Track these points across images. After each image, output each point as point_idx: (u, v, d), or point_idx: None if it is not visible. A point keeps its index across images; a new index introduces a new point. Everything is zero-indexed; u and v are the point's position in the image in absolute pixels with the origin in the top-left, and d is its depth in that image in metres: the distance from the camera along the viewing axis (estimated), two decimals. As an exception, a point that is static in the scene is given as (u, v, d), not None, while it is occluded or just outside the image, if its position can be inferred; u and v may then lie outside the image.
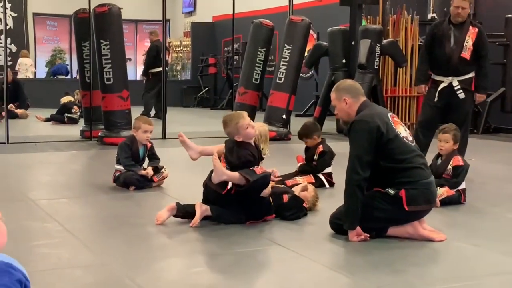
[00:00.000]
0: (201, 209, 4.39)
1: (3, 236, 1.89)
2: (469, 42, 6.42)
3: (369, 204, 4.01)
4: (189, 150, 4.83)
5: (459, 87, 6.46)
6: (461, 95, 6.46)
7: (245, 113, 4.54)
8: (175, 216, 4.48)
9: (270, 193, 4.57)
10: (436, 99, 6.53)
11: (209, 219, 4.45)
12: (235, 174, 4.33)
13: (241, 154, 4.39)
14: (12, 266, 1.77)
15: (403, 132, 4.11)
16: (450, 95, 6.49)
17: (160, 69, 11.79)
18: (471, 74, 6.54)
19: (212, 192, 4.45)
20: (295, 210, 4.64)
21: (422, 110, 6.86)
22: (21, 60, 17.58)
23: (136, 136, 5.86)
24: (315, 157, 5.98)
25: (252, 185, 4.32)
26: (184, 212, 4.48)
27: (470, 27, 6.47)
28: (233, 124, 4.43)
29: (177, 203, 4.52)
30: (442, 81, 6.51)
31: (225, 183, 4.38)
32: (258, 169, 4.37)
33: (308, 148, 6.11)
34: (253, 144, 4.52)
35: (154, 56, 13.20)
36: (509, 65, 10.78)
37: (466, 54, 6.42)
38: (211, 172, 4.46)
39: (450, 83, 6.47)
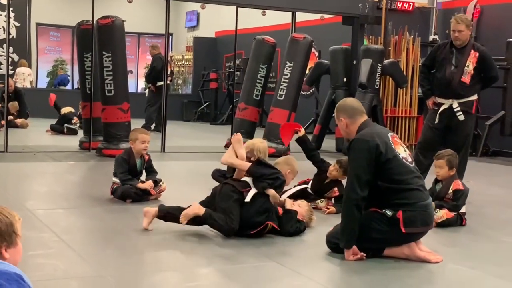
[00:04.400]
0: (195, 206, 4.44)
1: (19, 254, 2.17)
2: (469, 67, 6.43)
3: (366, 224, 4.01)
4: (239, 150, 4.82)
5: (459, 109, 6.47)
6: (461, 117, 6.46)
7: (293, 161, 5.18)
8: (158, 217, 4.53)
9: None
10: (436, 120, 6.54)
11: (197, 221, 4.47)
12: (242, 162, 4.62)
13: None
14: (22, 278, 2.04)
15: (403, 152, 4.11)
16: (450, 117, 6.50)
17: (162, 82, 11.78)
18: (473, 97, 6.54)
19: (227, 190, 4.52)
20: (292, 222, 4.65)
21: (423, 131, 6.87)
22: (19, 69, 17.57)
23: (133, 148, 5.85)
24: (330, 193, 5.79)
25: (254, 170, 4.54)
26: (165, 213, 4.53)
27: (472, 51, 6.46)
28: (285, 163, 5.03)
29: (160, 205, 4.58)
30: (443, 103, 6.53)
31: (247, 184, 4.56)
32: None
33: (324, 178, 5.82)
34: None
35: (160, 70, 13.19)
36: (509, 88, 10.81)
37: (466, 78, 6.43)
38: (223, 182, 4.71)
39: (451, 105, 6.49)
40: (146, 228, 4.57)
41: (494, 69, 6.62)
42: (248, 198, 4.50)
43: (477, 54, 6.45)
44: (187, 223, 4.46)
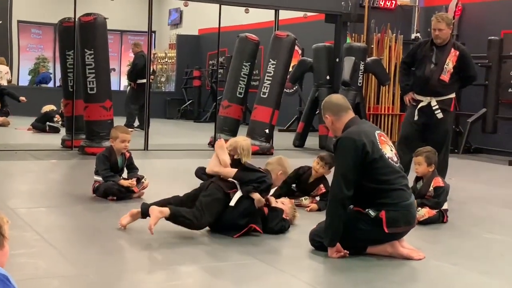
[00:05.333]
0: (155, 212, 4.35)
1: (6, 256, 2.18)
2: (449, 65, 6.46)
3: (350, 224, 4.00)
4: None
5: (437, 107, 6.50)
6: (439, 115, 6.49)
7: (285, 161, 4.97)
8: (142, 217, 4.48)
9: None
10: (416, 117, 6.58)
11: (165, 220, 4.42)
12: (227, 169, 4.60)
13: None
14: (8, 279, 2.05)
15: (389, 152, 4.10)
16: (428, 115, 6.53)
17: (144, 80, 11.71)
18: (451, 95, 6.58)
19: (212, 188, 4.52)
20: (278, 221, 4.66)
21: (403, 127, 6.93)
22: (-4, 67, 17.37)
23: (114, 146, 5.84)
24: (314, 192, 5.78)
25: (240, 176, 4.53)
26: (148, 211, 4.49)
27: (452, 50, 6.50)
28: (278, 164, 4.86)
29: (143, 204, 4.54)
30: (422, 100, 6.57)
31: (233, 184, 4.55)
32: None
33: (307, 178, 5.78)
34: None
35: (142, 67, 13.09)
36: (490, 86, 10.89)
37: (445, 76, 6.46)
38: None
39: (429, 103, 6.52)
40: (123, 226, 4.53)
41: (473, 68, 6.67)
42: (232, 202, 4.49)
43: (457, 52, 6.49)
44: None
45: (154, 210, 4.33)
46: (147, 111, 10.26)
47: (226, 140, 4.99)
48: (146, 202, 4.65)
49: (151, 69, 12.40)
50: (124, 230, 4.54)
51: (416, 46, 6.87)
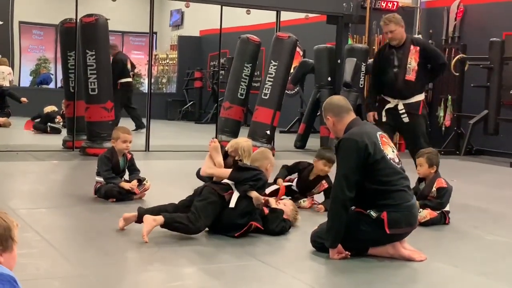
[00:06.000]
0: (149, 220, 4.32)
1: (14, 260, 2.21)
2: (412, 63, 6.39)
3: (351, 225, 4.00)
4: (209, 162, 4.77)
5: (403, 111, 6.44)
6: (405, 119, 6.44)
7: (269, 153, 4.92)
8: (136, 222, 4.47)
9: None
10: (384, 118, 6.52)
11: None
12: (222, 170, 4.56)
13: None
14: (16, 281, 2.09)
15: (390, 153, 4.10)
16: (395, 117, 6.48)
17: (128, 79, 11.69)
18: (419, 97, 6.50)
19: (206, 192, 4.47)
20: (278, 222, 4.65)
21: None
22: (-2, 68, 17.36)
23: (115, 146, 5.84)
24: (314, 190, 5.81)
25: (235, 176, 4.48)
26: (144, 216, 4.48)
27: (412, 47, 6.43)
28: (264, 158, 4.77)
29: (139, 208, 4.53)
30: (389, 102, 6.53)
31: (228, 187, 4.50)
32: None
33: (308, 175, 5.80)
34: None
35: (122, 69, 12.94)
36: (492, 88, 10.88)
37: (411, 76, 6.40)
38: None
39: (396, 105, 6.48)
40: (122, 229, 4.52)
41: (441, 56, 6.61)
42: (232, 204, 4.47)
43: (418, 48, 6.42)
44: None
45: (147, 219, 4.31)
46: (148, 112, 10.24)
47: (226, 142, 4.98)
48: (142, 207, 4.61)
49: (129, 66, 12.25)
50: (124, 231, 4.53)
51: (377, 52, 6.87)
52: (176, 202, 4.67)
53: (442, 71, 6.73)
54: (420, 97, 6.51)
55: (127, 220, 4.51)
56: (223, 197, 4.50)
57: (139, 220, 4.44)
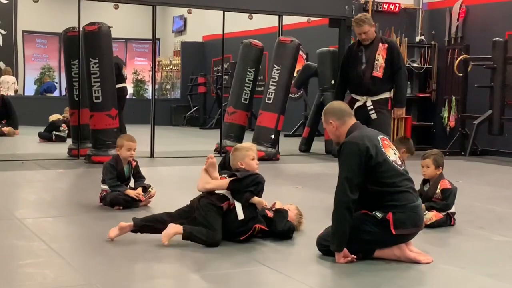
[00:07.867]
0: (173, 226, 4.37)
1: None
2: (379, 60, 6.46)
3: (357, 226, 4.01)
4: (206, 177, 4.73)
5: (372, 107, 6.51)
6: (373, 116, 6.50)
7: (254, 146, 4.84)
8: (133, 231, 4.48)
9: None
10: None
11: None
12: (219, 182, 4.49)
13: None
14: None
15: (392, 155, 4.12)
16: (365, 114, 6.51)
17: (123, 84, 11.70)
18: (386, 94, 6.59)
19: (204, 203, 4.45)
20: (285, 221, 4.65)
21: None
22: (3, 77, 17.41)
23: (120, 154, 5.85)
24: None
25: (235, 186, 4.45)
26: (140, 226, 4.48)
27: (380, 44, 6.52)
28: (243, 152, 4.69)
29: (134, 218, 4.53)
30: (358, 100, 6.58)
31: (225, 197, 4.47)
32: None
33: None
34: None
35: (117, 74, 12.92)
36: (496, 88, 10.87)
37: (378, 72, 6.47)
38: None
39: (365, 103, 6.53)
40: (111, 238, 4.49)
41: (401, 61, 6.67)
42: (240, 216, 4.44)
43: (386, 45, 6.52)
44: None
45: (172, 226, 4.37)
46: (153, 119, 10.25)
47: (230, 147, 4.96)
48: (136, 217, 4.59)
49: (125, 73, 12.23)
50: (130, 239, 4.53)
51: (347, 49, 6.93)
52: (173, 211, 4.66)
53: (399, 76, 6.63)
54: (388, 94, 6.60)
55: (122, 229, 4.50)
56: (221, 207, 4.49)
57: (135, 230, 4.47)
